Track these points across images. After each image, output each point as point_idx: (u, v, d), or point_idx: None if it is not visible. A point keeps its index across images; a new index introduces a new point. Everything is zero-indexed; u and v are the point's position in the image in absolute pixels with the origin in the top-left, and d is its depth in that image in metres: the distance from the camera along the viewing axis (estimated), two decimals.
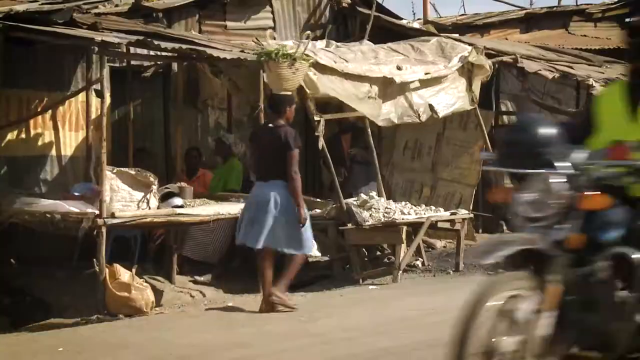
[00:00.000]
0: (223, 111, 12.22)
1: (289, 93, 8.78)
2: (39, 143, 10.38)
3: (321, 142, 10.26)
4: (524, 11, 18.11)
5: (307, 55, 9.92)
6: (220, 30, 12.33)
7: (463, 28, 16.90)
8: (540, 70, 12.88)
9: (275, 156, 8.12)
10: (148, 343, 7.20)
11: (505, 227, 13.07)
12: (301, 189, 8.21)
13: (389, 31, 13.15)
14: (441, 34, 13.19)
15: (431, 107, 11.27)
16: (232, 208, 9.55)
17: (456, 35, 13.82)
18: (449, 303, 8.57)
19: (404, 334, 7.24)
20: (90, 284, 8.52)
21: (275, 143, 8.11)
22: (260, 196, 8.18)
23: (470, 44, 12.15)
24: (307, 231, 8.27)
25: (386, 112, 10.98)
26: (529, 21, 17.51)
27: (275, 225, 8.06)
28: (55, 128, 10.47)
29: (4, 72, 8.98)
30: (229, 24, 12.54)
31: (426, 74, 11.27)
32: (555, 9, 18.39)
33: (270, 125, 8.37)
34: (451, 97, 11.48)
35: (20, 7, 9.58)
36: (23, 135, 10.21)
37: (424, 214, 10.51)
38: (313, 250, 8.47)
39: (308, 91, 10.18)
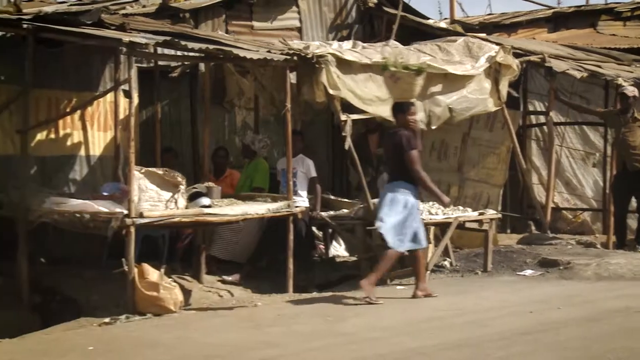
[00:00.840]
0: (250, 111, 12.26)
1: (408, 100, 9.42)
2: (68, 143, 10.45)
3: (348, 142, 10.25)
4: (552, 10, 18.04)
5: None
6: (246, 31, 12.37)
7: (490, 27, 16.87)
8: (568, 69, 12.80)
9: (395, 159, 8.76)
10: (177, 342, 7.22)
11: (534, 228, 13.02)
12: (430, 182, 8.77)
13: (415, 31, 13.13)
14: (468, 34, 13.14)
15: (451, 110, 11.22)
16: (260, 208, 9.56)
17: (483, 35, 13.78)
18: (477, 303, 8.59)
19: (432, 334, 7.22)
20: (120, 283, 8.56)
21: (394, 147, 8.74)
22: (383, 197, 8.82)
23: (497, 44, 12.09)
24: (411, 229, 8.66)
25: None
26: (557, 20, 17.44)
27: (390, 222, 8.58)
28: (84, 128, 10.54)
29: (33, 73, 9.04)
30: (256, 24, 12.58)
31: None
32: (583, 7, 18.31)
33: (392, 130, 9.01)
34: (472, 101, 11.41)
35: (49, 9, 9.67)
36: (52, 136, 10.27)
37: (452, 214, 10.47)
38: (401, 248, 8.75)
39: (331, 92, 10.19)
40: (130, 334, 7.61)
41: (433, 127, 11.18)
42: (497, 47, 11.76)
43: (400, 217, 8.62)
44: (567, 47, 14.72)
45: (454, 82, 11.23)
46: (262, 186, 10.79)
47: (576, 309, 8.19)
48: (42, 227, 8.86)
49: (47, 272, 9.67)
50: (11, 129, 9.71)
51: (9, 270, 9.09)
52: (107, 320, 8.10)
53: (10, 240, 8.93)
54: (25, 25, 8.78)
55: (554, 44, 15.08)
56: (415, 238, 8.71)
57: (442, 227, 10.38)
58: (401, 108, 8.98)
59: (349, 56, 10.50)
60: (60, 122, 10.31)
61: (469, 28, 15.57)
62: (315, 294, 9.65)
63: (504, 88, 11.76)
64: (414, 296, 8.77)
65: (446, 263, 10.72)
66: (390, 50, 11.30)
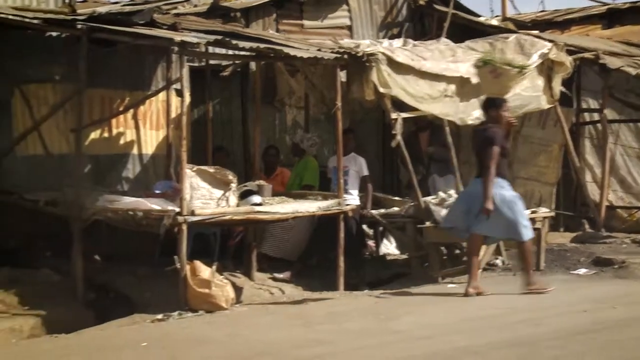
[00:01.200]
0: (300, 110, 12.29)
1: (500, 97, 9.52)
2: (121, 142, 10.58)
3: (397, 140, 10.22)
4: (606, 6, 17.74)
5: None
6: (297, 29, 12.41)
7: (543, 24, 16.65)
8: (623, 66, 12.60)
9: (482, 155, 8.78)
10: (228, 339, 7.26)
11: (587, 226, 12.86)
12: (491, 184, 8.66)
13: (466, 29, 13.05)
14: (520, 31, 13.02)
15: None
16: (310, 206, 9.58)
17: (536, 32, 13.61)
18: (529, 302, 8.50)
19: (484, 333, 7.16)
20: (172, 280, 8.64)
21: (482, 143, 8.80)
22: (472, 190, 8.89)
23: (550, 41, 11.96)
24: (521, 218, 8.79)
25: (462, 111, 10.89)
26: (612, 17, 17.14)
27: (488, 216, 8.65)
28: (137, 127, 10.67)
29: (87, 73, 9.16)
30: (306, 22, 12.61)
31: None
32: (639, 3, 17.96)
33: (481, 126, 9.12)
34: (525, 98, 11.31)
35: (103, 9, 9.79)
36: (106, 134, 10.42)
37: None
38: (529, 235, 8.91)
39: (382, 90, 10.17)
40: (182, 331, 7.67)
41: None
42: (549, 44, 11.63)
43: (503, 213, 8.69)
44: (622, 43, 14.48)
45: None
46: (312, 184, 10.82)
47: (631, 309, 8.06)
48: (95, 225, 8.97)
49: (101, 269, 9.80)
50: (66, 128, 9.88)
51: (65, 267, 9.23)
52: (159, 316, 8.18)
53: (65, 238, 9.05)
54: (79, 26, 8.90)
55: (609, 40, 14.83)
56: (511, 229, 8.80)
57: None
58: (494, 103, 9.05)
59: (400, 58, 10.45)
60: (114, 121, 10.45)
61: (521, 25, 15.42)
62: (366, 292, 9.63)
63: (557, 85, 11.64)
64: (525, 292, 8.81)
65: (498, 261, 10.63)
66: (441, 48, 11.26)
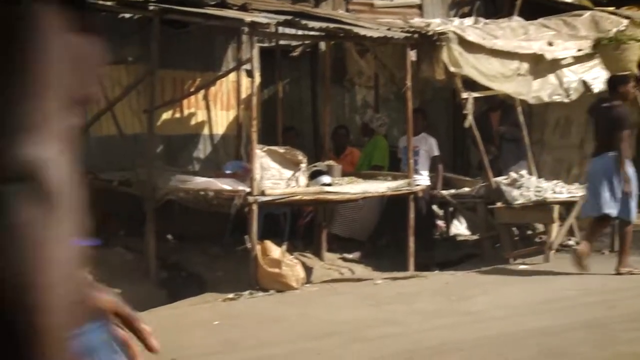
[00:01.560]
0: (370, 89, 12.23)
1: (625, 73, 9.47)
2: (192, 122, 10.68)
3: (469, 120, 10.12)
4: None
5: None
6: (367, 9, 12.31)
7: (619, 0, 16.26)
8: None
9: (606, 133, 8.78)
10: (299, 318, 7.30)
11: None
12: (626, 165, 8.72)
13: (539, 6, 12.78)
14: (595, 8, 12.73)
15: (585, 83, 10.91)
16: (380, 186, 9.55)
17: (612, 9, 13.29)
18: (604, 284, 8.35)
19: (557, 314, 7.07)
20: (243, 259, 8.70)
21: (607, 121, 8.75)
22: (593, 170, 8.96)
23: (626, 17, 11.67)
24: (635, 198, 8.86)
25: (536, 90, 10.71)
26: None
27: (607, 194, 8.73)
28: (208, 107, 10.75)
29: (159, 54, 9.24)
30: (376, 2, 12.51)
31: (579, 50, 10.92)
32: None
33: (606, 103, 9.00)
34: (603, 75, 11.06)
35: None
36: (177, 115, 10.52)
37: (577, 192, 10.19)
38: (634, 217, 8.97)
39: (452, 69, 10.06)
40: (254, 310, 7.74)
41: (573, 99, 10.91)
42: (626, 21, 11.36)
43: (619, 189, 8.72)
44: None
45: (583, 55, 10.92)
46: (381, 164, 10.78)
47: None
48: (168, 205, 9.08)
49: (173, 248, 9.92)
50: (139, 108, 10.00)
51: (138, 246, 9.37)
52: (231, 295, 8.25)
53: (138, 218, 9.19)
54: (151, 7, 8.99)
55: None
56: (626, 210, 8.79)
57: (567, 205, 10.12)
58: (622, 80, 9.07)
59: (471, 36, 10.32)
60: (185, 101, 10.54)
61: (596, 1, 15.07)
62: (436, 273, 9.58)
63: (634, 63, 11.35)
64: (618, 273, 8.73)
65: (571, 242, 10.46)
66: (513, 26, 11.09)
